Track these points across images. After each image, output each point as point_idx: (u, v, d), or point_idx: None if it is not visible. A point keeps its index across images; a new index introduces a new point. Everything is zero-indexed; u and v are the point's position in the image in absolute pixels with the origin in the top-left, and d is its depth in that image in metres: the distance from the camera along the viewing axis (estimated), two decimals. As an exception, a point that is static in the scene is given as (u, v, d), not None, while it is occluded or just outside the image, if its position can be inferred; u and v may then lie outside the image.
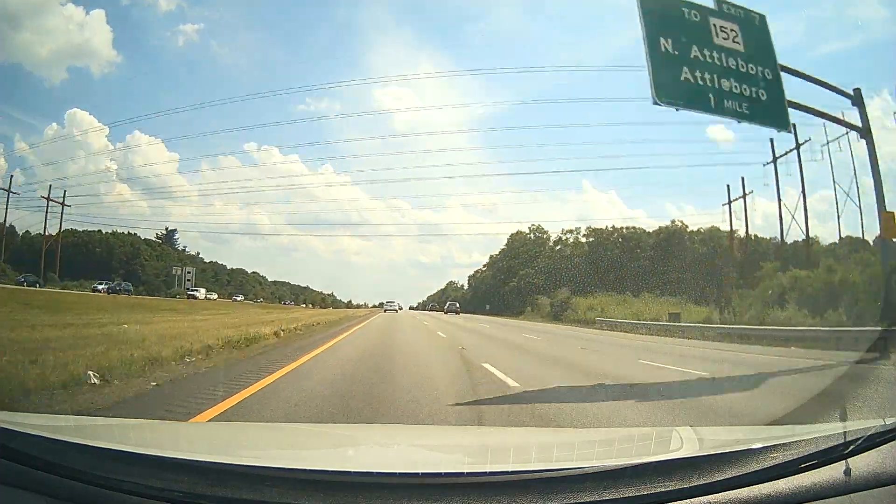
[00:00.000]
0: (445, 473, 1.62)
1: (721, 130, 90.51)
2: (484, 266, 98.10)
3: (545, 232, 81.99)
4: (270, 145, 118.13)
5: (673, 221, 65.27)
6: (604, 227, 71.41)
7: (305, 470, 1.60)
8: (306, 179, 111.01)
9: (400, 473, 1.61)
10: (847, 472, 1.60)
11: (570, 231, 76.73)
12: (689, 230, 62.16)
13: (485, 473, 1.64)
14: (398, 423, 5.04)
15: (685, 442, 2.18)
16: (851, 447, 1.64)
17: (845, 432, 1.67)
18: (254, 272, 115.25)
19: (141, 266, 77.32)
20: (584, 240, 72.32)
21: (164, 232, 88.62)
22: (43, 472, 1.54)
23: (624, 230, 69.29)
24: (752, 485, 1.55)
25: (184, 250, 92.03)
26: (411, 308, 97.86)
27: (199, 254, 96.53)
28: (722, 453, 1.67)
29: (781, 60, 13.29)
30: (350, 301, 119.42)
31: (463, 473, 1.62)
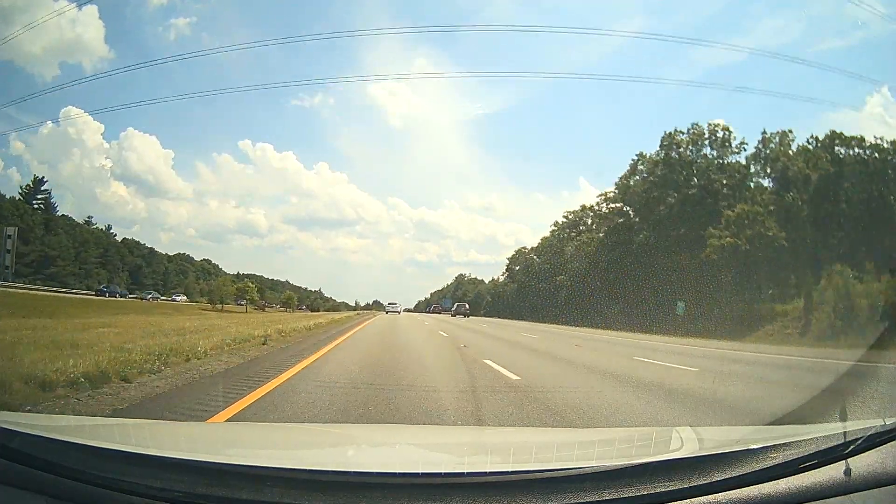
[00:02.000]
0: (445, 473, 1.62)
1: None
2: (556, 226, 62.54)
3: (720, 131, 40.81)
4: (265, 142, 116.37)
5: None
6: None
7: (305, 470, 1.59)
8: (303, 177, 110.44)
9: (400, 473, 1.61)
10: (847, 472, 1.60)
11: (777, 134, 38.11)
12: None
13: (485, 473, 1.64)
14: (398, 423, 5.04)
15: (685, 442, 2.18)
16: (851, 447, 1.64)
17: (845, 432, 1.67)
18: (204, 259, 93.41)
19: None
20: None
21: (30, 184, 65.97)
22: (43, 472, 1.54)
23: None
24: (752, 485, 1.55)
25: (86, 220, 68.40)
26: (408, 310, 79.91)
27: (111, 228, 73.94)
28: (722, 453, 1.67)
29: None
30: (316, 293, 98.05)
31: (463, 473, 1.61)
